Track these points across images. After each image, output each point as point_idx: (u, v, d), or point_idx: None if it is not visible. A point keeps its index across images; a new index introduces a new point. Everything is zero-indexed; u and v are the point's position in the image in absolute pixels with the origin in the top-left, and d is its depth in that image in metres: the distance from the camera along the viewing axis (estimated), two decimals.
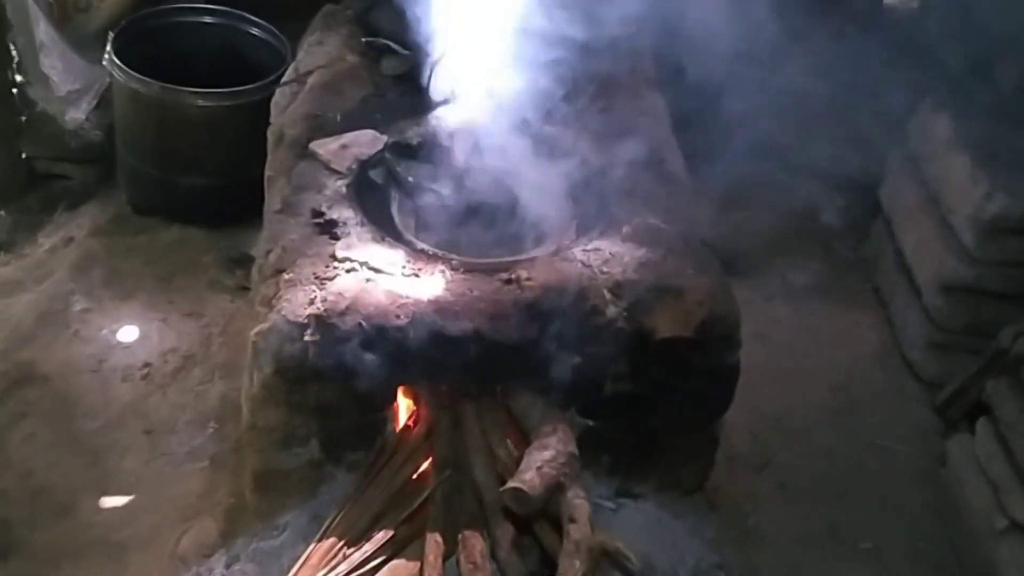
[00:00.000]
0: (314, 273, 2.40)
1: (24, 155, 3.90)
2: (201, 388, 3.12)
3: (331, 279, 2.38)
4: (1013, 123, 3.25)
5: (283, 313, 2.31)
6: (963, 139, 3.22)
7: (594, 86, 3.14)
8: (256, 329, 2.36)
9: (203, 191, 3.72)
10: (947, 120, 3.32)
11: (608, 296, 2.39)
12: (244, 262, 3.54)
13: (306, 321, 2.29)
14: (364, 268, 2.41)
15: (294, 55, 3.50)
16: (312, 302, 2.32)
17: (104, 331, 3.31)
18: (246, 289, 3.43)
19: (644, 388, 2.47)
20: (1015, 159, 3.13)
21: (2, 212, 3.77)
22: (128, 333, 3.32)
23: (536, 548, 2.34)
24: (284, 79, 3.34)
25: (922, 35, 3.88)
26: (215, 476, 2.82)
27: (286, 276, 2.41)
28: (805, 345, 3.49)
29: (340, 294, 2.33)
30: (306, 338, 2.29)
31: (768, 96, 3.41)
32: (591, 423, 2.53)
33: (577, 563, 2.14)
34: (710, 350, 2.44)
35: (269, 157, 3.00)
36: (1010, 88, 3.38)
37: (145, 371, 3.17)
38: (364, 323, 2.29)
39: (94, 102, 3.97)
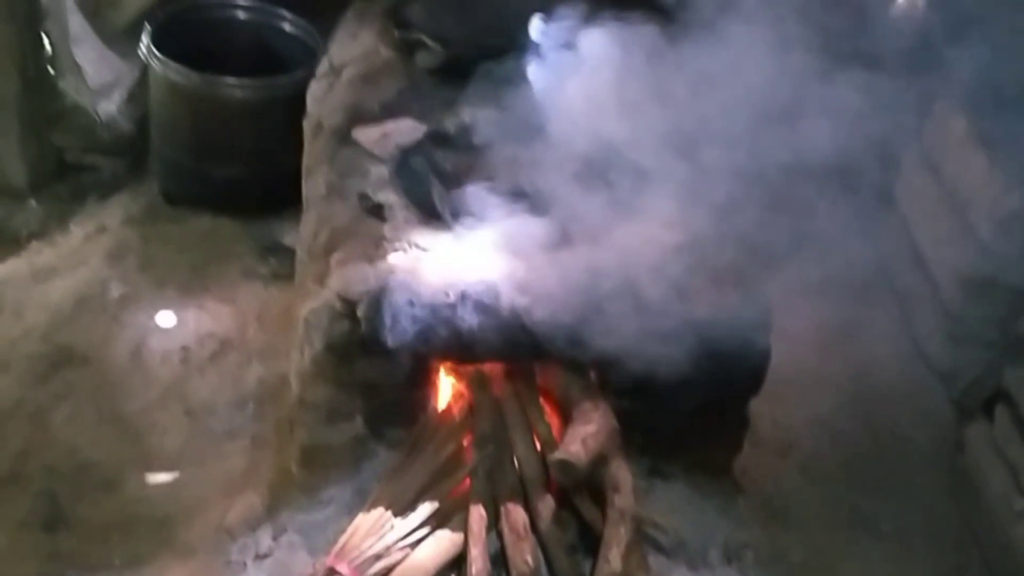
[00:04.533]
0: (364, 252, 2.48)
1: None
2: (238, 371, 3.19)
3: (381, 258, 2.46)
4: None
5: (335, 290, 2.39)
6: (978, 136, 3.30)
7: None
8: (308, 306, 2.44)
9: (236, 181, 3.77)
10: (962, 119, 3.40)
11: (645, 279, 2.47)
12: (277, 251, 3.62)
13: (358, 298, 2.37)
14: (412, 248, 2.50)
15: (324, 50, 3.54)
16: (364, 280, 2.40)
17: (141, 316, 3.38)
18: (279, 277, 3.51)
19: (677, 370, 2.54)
20: None
21: (33, 201, 3.80)
22: (165, 318, 3.38)
23: (575, 521, 2.41)
24: (319, 71, 3.41)
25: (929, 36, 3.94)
26: (257, 454, 2.89)
27: (337, 255, 2.49)
28: (821, 338, 3.54)
29: (391, 272, 2.41)
30: (358, 315, 2.37)
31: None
32: (625, 403, 2.60)
33: (622, 530, 2.22)
34: (743, 332, 2.51)
35: (307, 147, 3.07)
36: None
37: (183, 355, 3.24)
38: (414, 301, 2.37)
39: (125, 95, 4.00)
